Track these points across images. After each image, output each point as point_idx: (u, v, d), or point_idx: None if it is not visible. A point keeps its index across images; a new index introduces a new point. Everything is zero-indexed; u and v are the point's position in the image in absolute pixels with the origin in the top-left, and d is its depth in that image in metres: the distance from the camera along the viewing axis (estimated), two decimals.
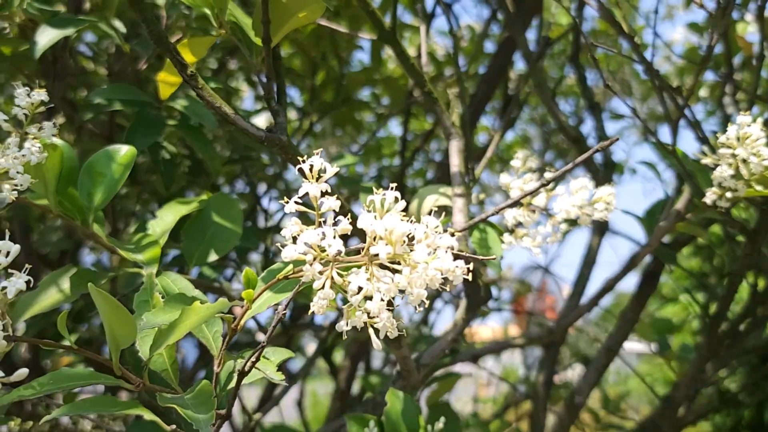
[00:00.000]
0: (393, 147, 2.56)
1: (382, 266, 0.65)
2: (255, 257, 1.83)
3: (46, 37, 1.03)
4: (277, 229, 1.37)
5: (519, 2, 1.54)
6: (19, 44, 1.22)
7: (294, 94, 2.11)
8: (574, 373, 2.74)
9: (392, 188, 0.65)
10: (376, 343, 0.69)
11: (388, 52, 2.16)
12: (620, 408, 2.25)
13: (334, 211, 0.67)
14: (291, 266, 0.71)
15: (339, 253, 0.63)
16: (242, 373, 0.72)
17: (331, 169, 0.69)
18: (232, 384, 0.77)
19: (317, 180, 0.68)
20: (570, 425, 1.37)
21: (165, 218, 0.98)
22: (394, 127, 2.74)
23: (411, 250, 0.64)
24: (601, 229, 1.51)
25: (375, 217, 0.64)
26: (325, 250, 0.63)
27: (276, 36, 0.86)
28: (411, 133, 2.71)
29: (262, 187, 1.92)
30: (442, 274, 0.61)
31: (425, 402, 1.44)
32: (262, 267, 1.58)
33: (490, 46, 2.47)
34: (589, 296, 1.43)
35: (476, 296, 1.12)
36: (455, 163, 1.13)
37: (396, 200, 0.65)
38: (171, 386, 0.72)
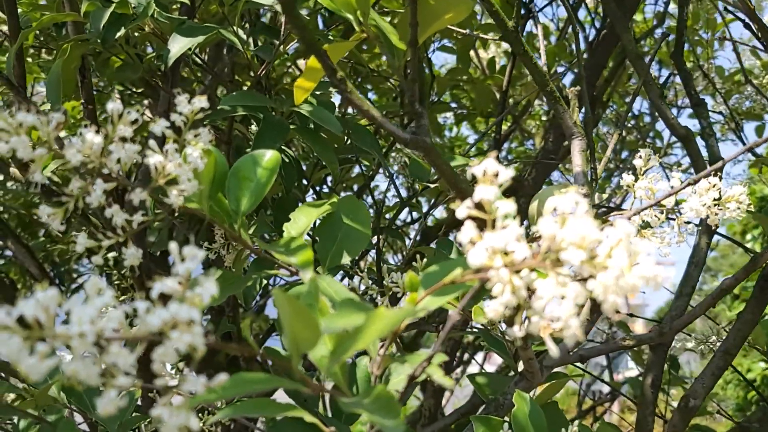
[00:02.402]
0: (465, 147, 2.55)
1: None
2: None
3: (177, 45, 1.05)
4: (389, 229, 1.38)
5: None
6: (141, 52, 1.24)
7: (373, 96, 2.11)
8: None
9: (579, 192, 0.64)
10: (554, 349, 0.68)
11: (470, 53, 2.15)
12: (707, 410, 2.19)
13: (506, 215, 0.66)
14: (459, 270, 0.71)
15: (525, 257, 0.62)
16: (412, 378, 0.72)
17: (506, 173, 0.68)
18: (391, 387, 0.77)
19: (491, 183, 0.67)
20: (683, 431, 1.34)
21: (299, 221, 0.99)
22: (464, 129, 2.73)
23: (594, 256, 0.63)
24: (708, 228, 1.47)
25: (556, 221, 0.64)
26: (507, 254, 0.63)
27: (421, 38, 0.86)
28: (478, 132, 2.71)
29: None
30: (643, 281, 0.59)
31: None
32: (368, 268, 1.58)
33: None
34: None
35: None
36: (578, 163, 1.12)
37: (577, 204, 0.64)
38: (342, 391, 0.72)
